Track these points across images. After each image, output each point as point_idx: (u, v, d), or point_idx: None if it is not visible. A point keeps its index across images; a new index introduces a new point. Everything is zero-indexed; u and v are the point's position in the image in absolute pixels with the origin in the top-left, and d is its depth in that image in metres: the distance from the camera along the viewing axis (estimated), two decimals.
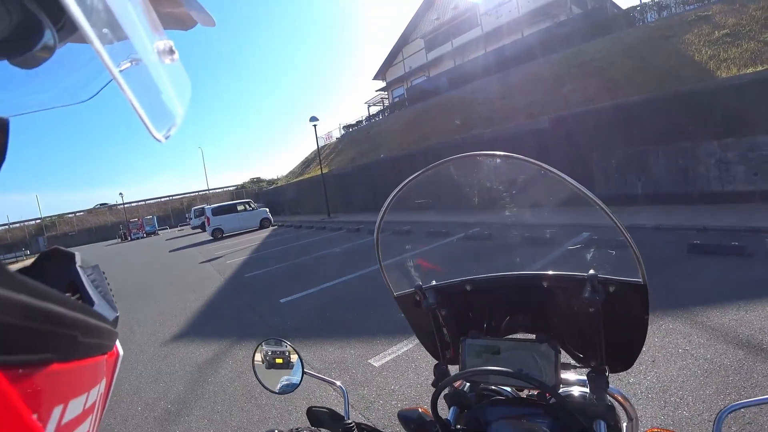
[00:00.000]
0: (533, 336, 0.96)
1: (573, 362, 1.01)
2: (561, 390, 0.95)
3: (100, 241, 42.47)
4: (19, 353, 0.20)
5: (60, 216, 47.07)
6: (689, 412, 2.33)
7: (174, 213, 48.10)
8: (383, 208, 1.14)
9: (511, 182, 1.25)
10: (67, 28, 0.34)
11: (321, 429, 0.90)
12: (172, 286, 9.11)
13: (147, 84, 0.32)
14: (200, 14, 0.44)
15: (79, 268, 0.34)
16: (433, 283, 1.13)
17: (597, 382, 0.89)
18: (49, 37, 0.33)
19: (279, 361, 1.11)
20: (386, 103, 34.17)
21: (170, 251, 18.18)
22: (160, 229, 40.11)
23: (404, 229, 10.64)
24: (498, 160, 1.03)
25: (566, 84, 13.44)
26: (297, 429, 0.85)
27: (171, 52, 0.37)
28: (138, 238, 35.43)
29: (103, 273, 0.37)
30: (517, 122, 13.02)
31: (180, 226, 42.92)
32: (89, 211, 46.14)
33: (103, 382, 0.31)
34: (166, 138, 0.34)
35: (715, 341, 3.01)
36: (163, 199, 52.02)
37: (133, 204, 49.45)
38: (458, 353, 1.07)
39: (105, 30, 0.27)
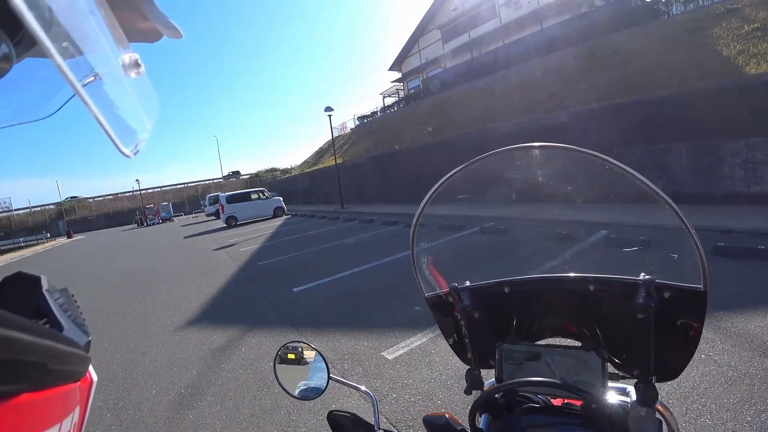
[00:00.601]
0: (576, 342, 0.91)
1: (613, 370, 0.96)
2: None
3: (116, 226, 43.25)
4: None
5: (79, 201, 48.04)
6: (712, 420, 2.26)
7: (189, 200, 48.73)
8: (423, 203, 1.09)
9: (542, 176, 1.20)
10: (25, 43, 0.32)
11: None
12: (186, 273, 9.22)
13: (112, 98, 0.31)
14: (166, 27, 0.43)
15: (45, 293, 0.32)
16: (468, 284, 1.07)
17: (646, 393, 0.84)
18: (4, 51, 0.31)
19: (302, 364, 1.06)
20: (401, 94, 33.97)
21: (185, 237, 18.42)
22: (175, 216, 40.69)
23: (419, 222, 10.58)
24: (538, 152, 0.98)
25: (586, 78, 13.14)
26: None
27: (137, 65, 0.37)
28: (154, 224, 35.98)
29: (72, 296, 0.35)
30: (535, 116, 12.81)
31: (194, 213, 43.52)
32: (58, 204, 46.33)
33: (77, 411, 0.30)
34: (135, 153, 0.33)
35: (739, 348, 2.92)
36: (178, 187, 52.70)
37: (149, 190, 50.21)
38: (492, 358, 1.02)
39: (65, 44, 0.26)
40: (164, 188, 52.15)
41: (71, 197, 48.08)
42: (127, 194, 49.59)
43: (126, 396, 3.60)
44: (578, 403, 0.92)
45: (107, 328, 5.74)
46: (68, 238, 34.05)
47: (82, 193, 52.36)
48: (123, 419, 3.22)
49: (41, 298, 0.31)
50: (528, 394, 0.98)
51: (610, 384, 0.94)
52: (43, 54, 0.23)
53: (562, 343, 0.96)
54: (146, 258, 13.26)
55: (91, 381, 0.32)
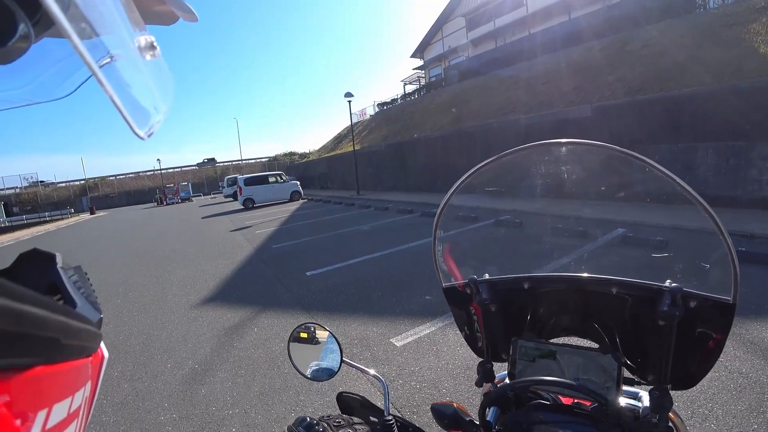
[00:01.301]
0: (592, 343, 0.91)
1: (627, 374, 0.95)
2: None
3: (137, 204, 44.22)
4: (0, 357, 0.20)
5: (102, 178, 49.16)
6: (717, 425, 2.24)
7: (208, 181, 49.40)
8: (449, 193, 1.08)
9: (563, 172, 1.19)
10: (43, 23, 0.32)
11: (353, 417, 0.86)
12: (202, 252, 9.42)
13: (128, 80, 0.31)
14: (182, 9, 0.43)
15: (60, 269, 0.33)
16: (486, 276, 1.08)
17: (660, 401, 0.83)
18: (23, 31, 0.31)
19: (316, 346, 1.06)
20: (423, 82, 33.59)
21: (202, 218, 18.75)
22: (194, 196, 41.34)
23: (434, 211, 10.58)
24: (569, 147, 0.97)
25: (613, 71, 12.77)
26: (328, 417, 0.83)
27: (152, 47, 0.36)
28: (173, 203, 36.65)
29: (86, 273, 0.35)
30: (557, 109, 12.55)
31: (213, 194, 44.16)
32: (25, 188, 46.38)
33: (88, 385, 0.31)
34: (149, 135, 0.33)
35: (752, 356, 2.87)
36: (197, 167, 53.47)
37: (169, 170, 51.07)
38: (505, 352, 1.03)
39: (83, 25, 0.26)
40: (184, 168, 53.00)
41: (40, 181, 47.92)
42: (148, 173, 50.52)
43: (142, 368, 3.74)
44: (587, 403, 0.93)
45: (126, 303, 5.94)
46: (91, 214, 34.95)
47: (105, 170, 53.47)
48: (139, 390, 3.35)
49: (56, 275, 0.32)
50: (538, 391, 0.99)
51: (624, 388, 0.93)
52: (61, 34, 0.24)
53: (578, 344, 0.96)
54: (165, 236, 13.56)
55: (103, 357, 0.33)
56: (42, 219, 34.07)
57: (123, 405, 3.15)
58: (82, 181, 47.48)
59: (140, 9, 0.36)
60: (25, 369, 0.21)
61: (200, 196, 44.48)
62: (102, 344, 0.33)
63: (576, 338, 1.08)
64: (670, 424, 0.85)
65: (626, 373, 0.94)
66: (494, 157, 0.98)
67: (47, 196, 44.29)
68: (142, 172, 51.08)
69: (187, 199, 38.88)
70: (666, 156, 8.90)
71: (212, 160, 54.57)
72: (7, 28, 0.30)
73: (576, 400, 0.97)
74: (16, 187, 44.69)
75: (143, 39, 0.36)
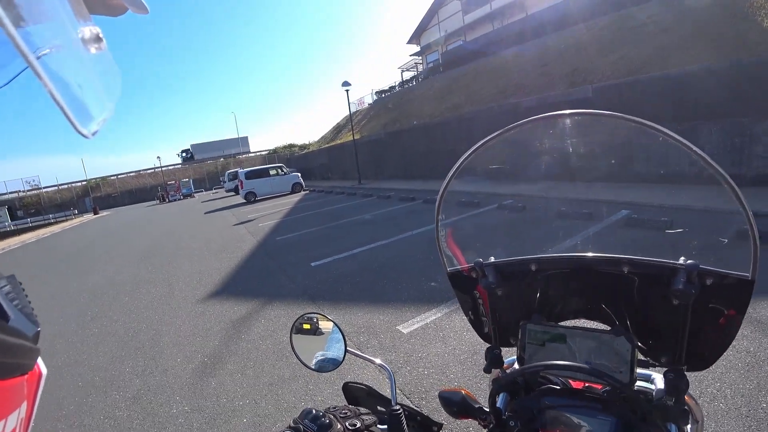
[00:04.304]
0: (603, 325, 0.89)
1: (640, 356, 0.93)
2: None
3: (139, 202, 44.29)
4: None
5: (104, 178, 49.25)
6: (726, 405, 2.25)
7: (209, 176, 49.32)
8: (449, 175, 1.06)
9: (564, 153, 1.17)
10: None
11: (360, 408, 0.85)
12: (207, 247, 9.45)
13: (69, 73, 0.29)
14: (131, 2, 0.40)
15: None
16: (492, 260, 1.05)
17: (676, 383, 0.80)
18: None
19: (317, 334, 1.05)
20: (420, 68, 33.27)
21: (205, 213, 18.79)
22: (195, 192, 41.35)
23: (435, 198, 10.55)
24: (568, 122, 0.94)
25: (614, 50, 12.61)
26: (334, 408, 0.82)
27: (98, 39, 0.34)
28: (175, 200, 36.69)
29: (20, 284, 0.33)
30: (558, 91, 12.42)
31: (214, 189, 44.14)
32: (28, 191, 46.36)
33: (24, 406, 0.28)
34: (93, 134, 0.31)
35: (760, 335, 2.86)
36: (198, 163, 53.39)
37: (170, 167, 51.02)
38: (513, 337, 1.00)
39: (18, 11, 0.24)
40: (185, 165, 52.93)
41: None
42: (148, 171, 50.54)
43: (153, 363, 3.78)
44: (599, 386, 0.91)
45: (134, 300, 5.98)
46: (94, 214, 35.04)
47: (106, 170, 53.28)
48: (150, 384, 3.39)
49: None
50: (547, 375, 0.97)
51: (639, 371, 0.91)
52: None
53: (588, 326, 0.93)
54: (169, 233, 13.61)
55: (40, 374, 0.31)
56: (46, 221, 34.24)
57: (135, 400, 3.19)
58: (84, 182, 47.58)
59: None
60: None
61: (202, 191, 44.47)
62: (39, 360, 0.30)
63: (585, 321, 1.06)
64: (686, 407, 0.84)
65: (642, 356, 0.92)
66: (497, 133, 0.96)
67: (50, 198, 44.48)
68: (143, 170, 51.06)
69: (189, 195, 38.88)
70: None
71: (188, 151, 54.05)
72: None
73: (587, 384, 0.95)
74: (19, 191, 44.89)
75: (87, 30, 0.33)
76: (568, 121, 0.99)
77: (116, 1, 0.39)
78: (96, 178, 48.96)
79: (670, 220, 5.58)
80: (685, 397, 0.86)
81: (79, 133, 0.29)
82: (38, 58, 0.25)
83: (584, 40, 14.59)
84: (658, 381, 0.89)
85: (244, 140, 56.57)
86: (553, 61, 15.06)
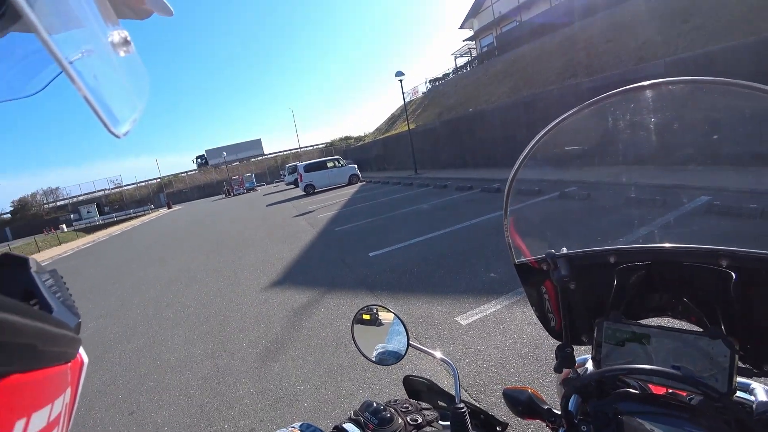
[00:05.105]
0: (693, 326, 0.78)
1: (740, 363, 0.81)
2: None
3: (207, 196, 47.30)
4: None
5: (175, 175, 53.35)
6: None
7: (269, 170, 51.58)
8: (520, 159, 0.98)
9: (635, 132, 1.04)
10: (9, 16, 0.31)
11: (421, 403, 0.82)
12: (269, 238, 9.87)
13: (101, 77, 0.29)
14: (156, 3, 0.42)
15: (34, 274, 0.31)
16: (564, 251, 0.97)
17: None
18: None
19: (379, 328, 1.02)
20: (474, 53, 32.31)
21: (267, 205, 19.64)
22: (257, 185, 43.42)
23: (494, 186, 10.25)
24: (654, 93, 0.84)
25: (690, 19, 11.40)
26: (395, 401, 0.79)
27: (126, 43, 0.35)
28: (239, 194, 38.74)
29: (62, 277, 0.34)
30: (625, 69, 11.49)
31: (275, 182, 46.13)
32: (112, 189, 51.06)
33: (68, 392, 0.29)
34: (124, 134, 0.31)
35: None
36: (259, 158, 55.97)
37: (234, 163, 53.95)
38: (585, 334, 0.92)
39: (51, 19, 0.24)
40: (247, 160, 55.77)
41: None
42: (215, 167, 53.88)
43: (221, 347, 4.01)
44: (684, 393, 0.82)
45: (204, 288, 6.39)
46: (168, 208, 38.06)
47: (177, 167, 57.63)
48: (219, 366, 3.60)
49: (30, 280, 0.31)
50: (624, 378, 0.88)
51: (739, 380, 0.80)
52: (28, 29, 0.22)
53: (673, 326, 0.83)
54: (234, 224, 14.39)
55: (82, 363, 0.32)
56: (128, 216, 37.82)
57: (206, 380, 3.40)
58: (159, 180, 51.86)
59: (112, 3, 0.35)
60: (0, 378, 0.21)
61: (263, 185, 46.59)
62: (81, 349, 0.32)
63: (667, 319, 0.95)
64: None
65: (741, 363, 0.80)
66: (575, 109, 0.86)
67: (131, 195, 49.18)
68: (211, 166, 54.45)
69: (252, 188, 40.88)
70: (757, 112, 7.84)
71: (203, 157, 56.16)
72: None
73: (671, 390, 0.85)
74: (105, 189, 50.20)
75: (116, 34, 0.34)
76: (648, 93, 0.88)
77: (142, 5, 0.41)
78: (168, 176, 53.15)
79: (759, 206, 4.98)
80: None
81: (112, 133, 0.30)
82: (71, 63, 0.26)
83: (654, 9, 13.33)
84: (760, 392, 0.77)
85: (258, 143, 58.18)
86: (618, 36, 13.92)
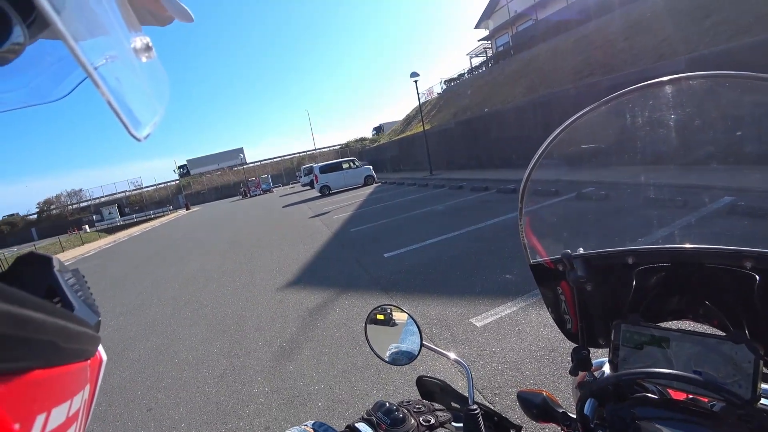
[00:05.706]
0: (709, 329, 0.76)
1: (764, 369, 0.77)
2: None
3: (224, 198, 47.98)
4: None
5: (193, 177, 54.26)
6: None
7: (285, 172, 52.07)
8: (535, 158, 0.96)
9: (653, 131, 1.01)
10: (38, 24, 0.31)
11: (434, 404, 0.81)
12: (285, 238, 9.96)
13: (124, 82, 0.31)
14: (177, 10, 0.43)
15: (57, 273, 0.32)
16: (581, 251, 0.95)
17: None
18: (18, 33, 0.30)
19: (393, 328, 1.01)
20: (489, 53, 32.06)
21: (283, 207, 19.82)
22: (274, 187, 43.87)
23: (509, 187, 10.15)
24: (671, 88, 0.81)
25: (711, 13, 11.10)
26: (408, 402, 0.79)
27: (148, 48, 0.36)
28: (256, 195, 39.18)
29: (83, 276, 0.35)
30: (643, 66, 11.25)
31: (291, 183, 46.55)
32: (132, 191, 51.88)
33: (87, 389, 0.30)
34: (145, 137, 0.32)
35: None
36: (275, 160, 56.57)
37: (250, 165, 54.68)
38: (602, 337, 0.90)
39: (78, 26, 0.25)
40: (263, 162, 56.44)
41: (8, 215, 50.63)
42: (232, 169, 54.67)
43: (237, 345, 4.06)
44: (705, 399, 0.79)
45: (221, 287, 6.48)
46: (186, 209, 38.72)
47: (191, 169, 58.12)
48: (235, 365, 3.64)
49: (53, 278, 0.32)
50: (642, 382, 0.86)
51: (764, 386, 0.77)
52: (56, 36, 0.23)
53: (693, 329, 0.81)
54: (250, 225, 14.56)
55: (101, 360, 0.33)
56: (147, 217, 38.65)
57: (222, 378, 3.44)
58: (177, 181, 52.79)
59: (135, 10, 0.36)
60: (23, 373, 0.21)
61: (279, 186, 47.04)
62: (100, 347, 0.33)
63: (687, 323, 0.92)
64: None
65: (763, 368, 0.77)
66: (592, 106, 0.85)
67: (150, 197, 50.27)
68: (227, 168, 55.26)
69: (268, 190, 41.30)
70: None
71: (184, 167, 56.46)
72: (1, 30, 0.30)
73: (691, 396, 0.81)
74: (126, 191, 51.41)
75: (139, 40, 0.36)
76: (668, 89, 0.86)
77: (163, 12, 0.42)
78: (187, 177, 54.05)
79: None
80: None
81: (133, 137, 0.31)
82: (96, 68, 0.26)
83: (674, 5, 13.02)
84: None
85: (240, 151, 58.34)
86: (636, 33, 13.64)
